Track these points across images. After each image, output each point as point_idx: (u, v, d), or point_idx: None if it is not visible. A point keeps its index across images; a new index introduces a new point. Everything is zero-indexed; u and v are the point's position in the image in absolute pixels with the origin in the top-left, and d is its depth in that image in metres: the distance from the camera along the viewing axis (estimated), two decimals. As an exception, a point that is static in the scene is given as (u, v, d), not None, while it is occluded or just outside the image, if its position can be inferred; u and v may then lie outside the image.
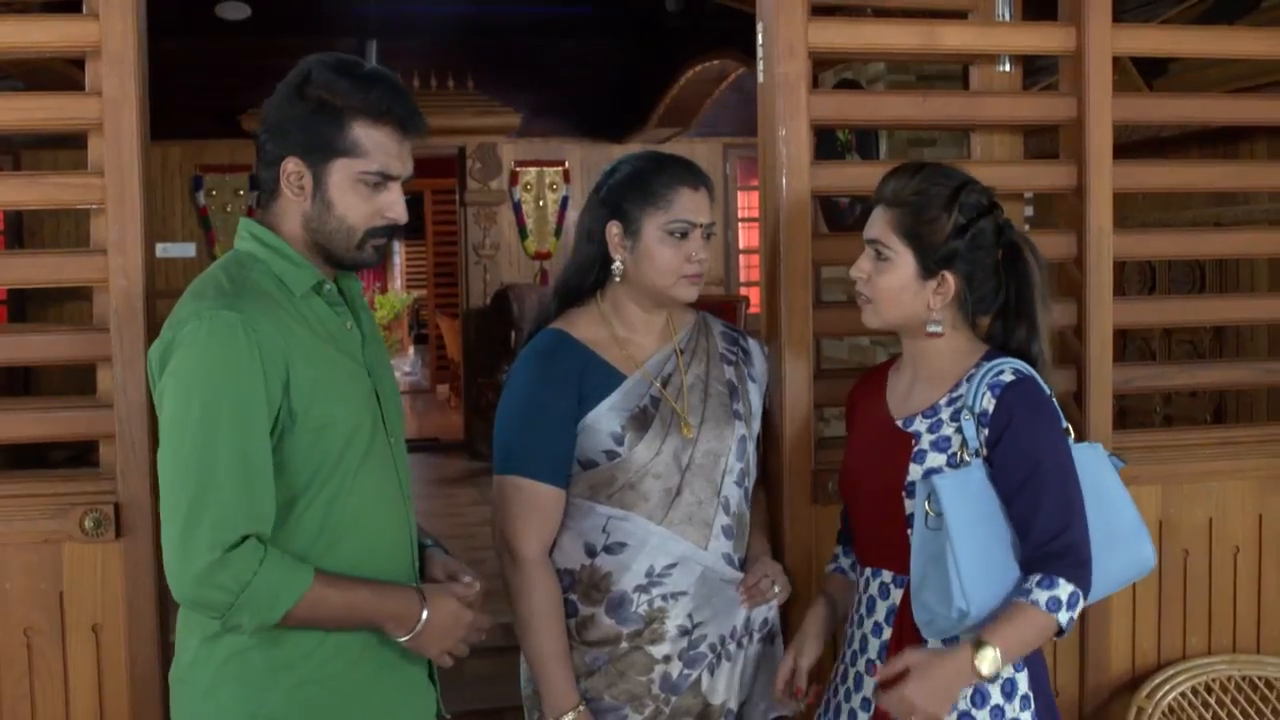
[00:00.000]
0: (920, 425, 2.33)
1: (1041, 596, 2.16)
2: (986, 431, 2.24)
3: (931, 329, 2.33)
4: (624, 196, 2.51)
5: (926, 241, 2.30)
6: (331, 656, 2.10)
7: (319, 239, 2.13)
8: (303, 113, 2.08)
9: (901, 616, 2.32)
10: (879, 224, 2.34)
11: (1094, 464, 2.37)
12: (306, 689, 2.08)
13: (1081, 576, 2.18)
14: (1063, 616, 2.16)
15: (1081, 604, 2.18)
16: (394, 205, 2.14)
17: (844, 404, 2.61)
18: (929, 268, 2.31)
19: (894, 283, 2.33)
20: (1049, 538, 2.18)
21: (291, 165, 2.09)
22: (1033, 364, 2.32)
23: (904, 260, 2.31)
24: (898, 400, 2.42)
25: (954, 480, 2.22)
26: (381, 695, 2.18)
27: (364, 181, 2.10)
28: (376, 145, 2.09)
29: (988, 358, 2.33)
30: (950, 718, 2.23)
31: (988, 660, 2.13)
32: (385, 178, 2.11)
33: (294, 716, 2.08)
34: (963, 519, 2.19)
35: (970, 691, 2.23)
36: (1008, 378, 2.26)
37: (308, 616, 2.02)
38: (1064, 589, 2.16)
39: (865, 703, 2.36)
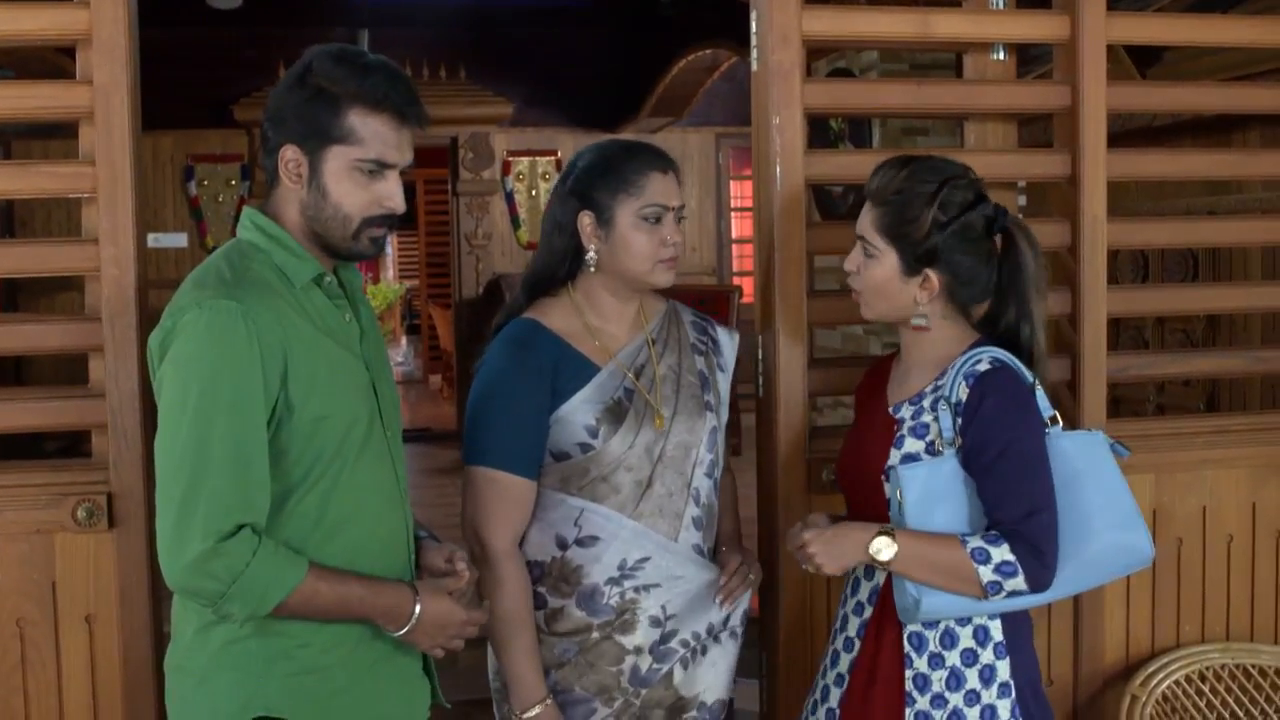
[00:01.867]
0: (905, 411, 2.35)
1: (975, 543, 2.17)
2: (960, 420, 2.25)
3: (916, 323, 2.35)
4: (594, 185, 2.47)
5: (908, 240, 2.30)
6: (328, 647, 2.09)
7: (316, 228, 2.12)
8: (301, 100, 2.08)
9: (884, 597, 2.33)
10: (865, 220, 2.36)
11: (1090, 452, 2.32)
12: (302, 679, 2.07)
13: (1032, 559, 2.16)
14: (984, 573, 2.15)
15: (1020, 583, 2.16)
16: (392, 194, 2.13)
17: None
18: (911, 265, 2.31)
19: (879, 278, 2.34)
20: (1011, 521, 2.18)
21: (289, 153, 2.09)
22: (1021, 349, 2.34)
23: (888, 258, 2.32)
24: (895, 388, 2.44)
25: (919, 471, 2.24)
26: (376, 686, 2.17)
27: (360, 169, 2.09)
28: (373, 133, 2.08)
29: (972, 347, 2.33)
30: (923, 699, 2.26)
31: (880, 546, 2.19)
32: (382, 166, 2.10)
33: (289, 706, 2.07)
34: (922, 509, 2.22)
35: (945, 675, 2.26)
36: (983, 367, 2.26)
37: (300, 608, 2.01)
38: (1001, 551, 2.16)
39: (839, 678, 2.39)
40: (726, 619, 2.56)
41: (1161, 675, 3.07)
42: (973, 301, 2.37)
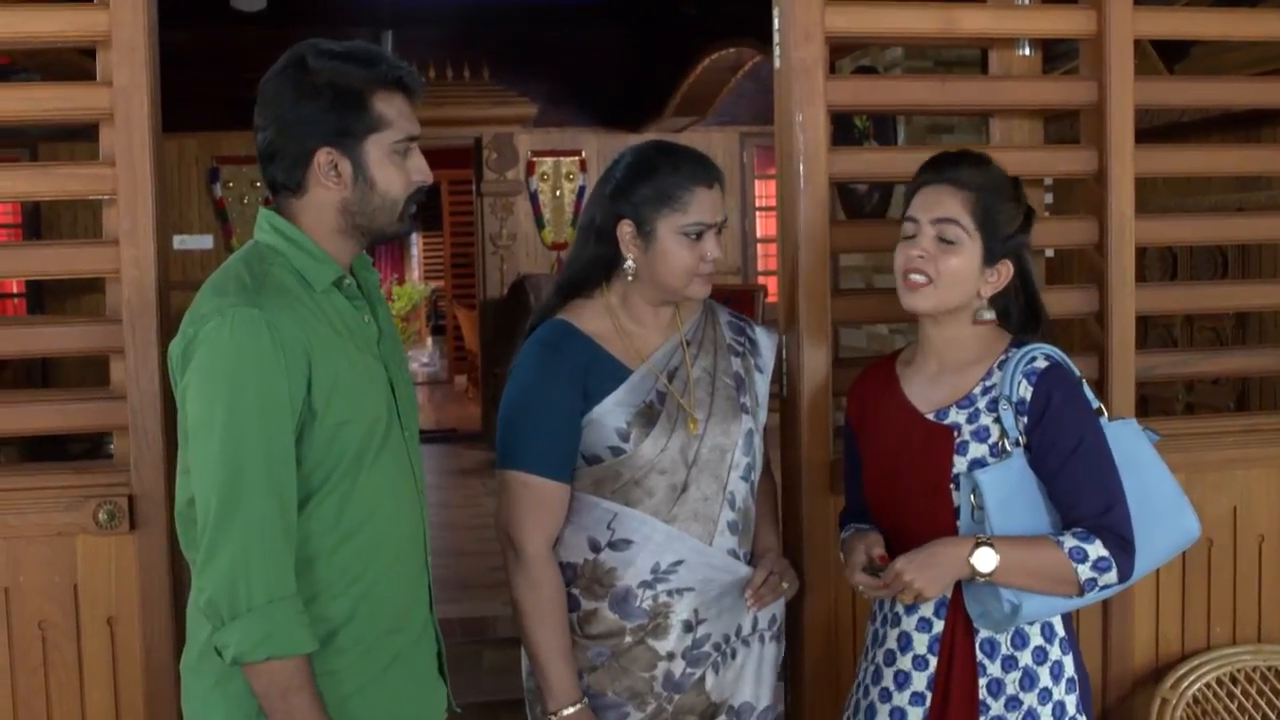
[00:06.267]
0: (958, 417, 2.31)
1: (1070, 542, 2.18)
2: (1025, 419, 2.24)
3: (984, 316, 2.33)
4: (637, 196, 2.44)
5: (997, 229, 2.29)
6: (344, 649, 2.08)
7: (361, 221, 2.12)
8: (320, 105, 2.06)
9: (954, 609, 2.31)
10: (951, 203, 2.29)
11: (1129, 439, 2.36)
12: (318, 681, 2.05)
13: (1120, 552, 2.18)
14: (1083, 571, 2.16)
15: (1113, 578, 2.18)
16: (422, 167, 2.16)
17: (849, 400, 2.57)
18: (994, 255, 2.30)
19: (960, 266, 2.29)
20: (1093, 516, 2.20)
21: (324, 156, 2.07)
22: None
23: (973, 245, 2.29)
24: (921, 393, 2.38)
25: (995, 474, 2.22)
26: (392, 687, 2.16)
27: (396, 151, 2.11)
28: (397, 113, 2.11)
29: (1016, 345, 2.32)
30: (998, 704, 2.25)
31: (983, 559, 2.17)
32: (410, 140, 2.13)
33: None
34: (1005, 512, 2.21)
35: (1019, 676, 2.26)
36: (1041, 364, 2.26)
37: (271, 685, 1.96)
38: (1095, 548, 2.17)
39: (916, 697, 2.34)
40: (755, 623, 2.54)
41: (1192, 677, 3.04)
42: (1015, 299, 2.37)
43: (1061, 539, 2.18)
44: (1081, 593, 2.19)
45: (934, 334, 2.38)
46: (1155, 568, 2.40)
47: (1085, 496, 2.21)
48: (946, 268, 2.29)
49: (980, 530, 2.21)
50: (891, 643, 2.40)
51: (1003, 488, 2.22)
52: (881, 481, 2.41)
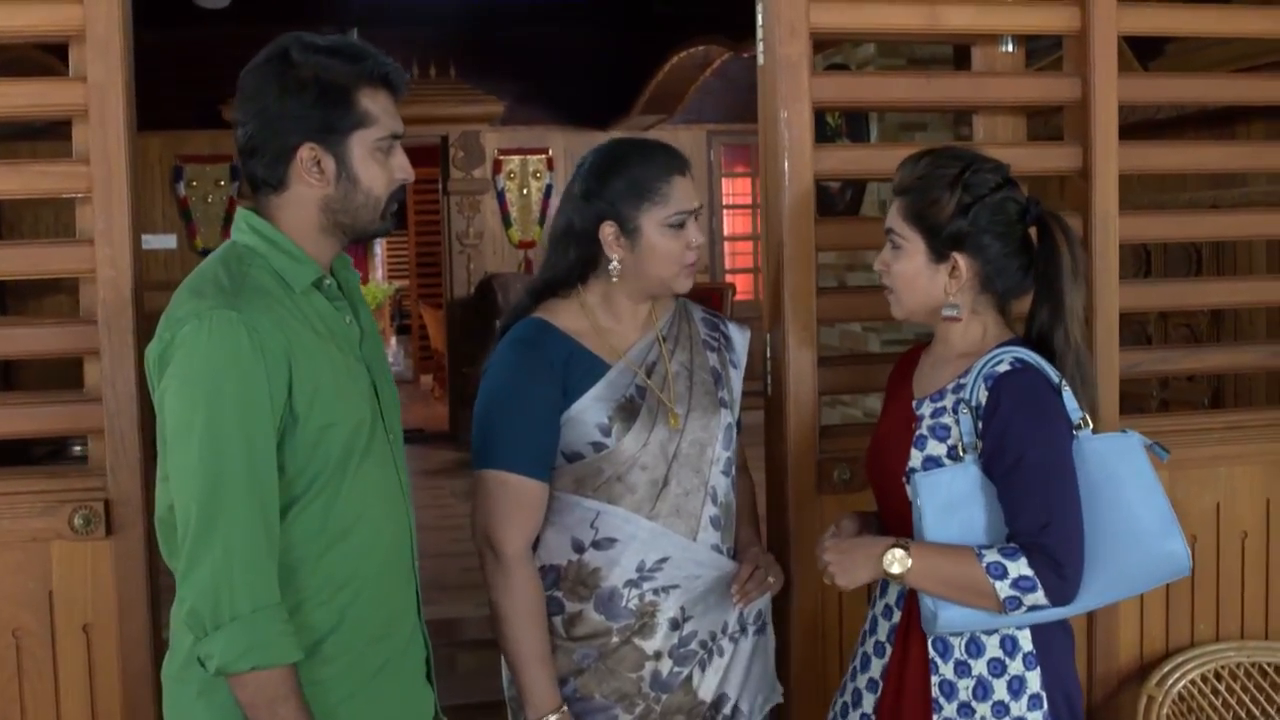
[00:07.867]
0: (926, 408, 2.29)
1: (990, 557, 2.10)
2: (980, 424, 2.19)
3: (946, 313, 2.28)
4: (615, 194, 2.41)
5: (932, 224, 2.24)
6: (331, 658, 2.05)
7: (343, 219, 2.09)
8: (305, 100, 2.02)
9: (910, 600, 2.27)
10: (891, 212, 2.31)
11: (1118, 455, 2.23)
12: (305, 690, 2.02)
13: (1051, 574, 2.08)
14: (1001, 588, 2.08)
15: (1040, 598, 2.09)
16: (405, 165, 2.14)
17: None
18: (938, 251, 2.25)
19: (908, 269, 2.28)
20: (1028, 533, 2.11)
21: (307, 152, 2.04)
22: (1052, 351, 2.24)
23: (914, 246, 2.27)
24: (920, 380, 2.37)
25: (939, 478, 2.19)
26: (380, 695, 2.13)
27: (380, 149, 2.08)
28: (382, 110, 2.08)
29: (999, 346, 2.25)
30: (950, 706, 2.21)
31: (893, 560, 2.15)
32: (394, 138, 2.11)
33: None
34: (942, 518, 2.17)
35: (972, 684, 2.20)
36: (1003, 368, 2.19)
37: (258, 695, 1.92)
38: (1018, 566, 2.09)
39: (871, 684, 2.33)
40: (741, 619, 2.52)
41: (1177, 675, 3.04)
42: (1009, 294, 2.31)
43: (984, 552, 2.11)
44: (1004, 610, 2.11)
45: (935, 325, 2.36)
46: (1133, 594, 2.31)
47: (1024, 511, 2.12)
48: (897, 275, 2.31)
49: (921, 532, 2.18)
50: (868, 623, 2.40)
51: (947, 493, 2.17)
52: (870, 460, 2.42)
